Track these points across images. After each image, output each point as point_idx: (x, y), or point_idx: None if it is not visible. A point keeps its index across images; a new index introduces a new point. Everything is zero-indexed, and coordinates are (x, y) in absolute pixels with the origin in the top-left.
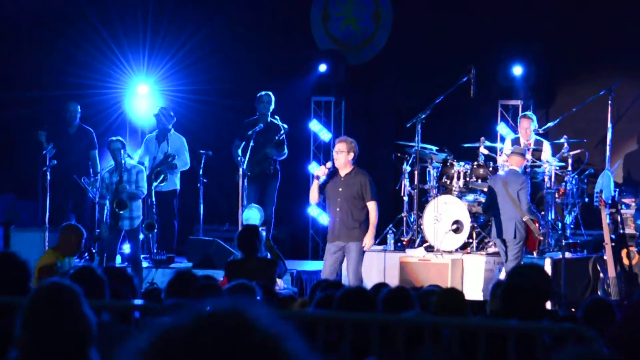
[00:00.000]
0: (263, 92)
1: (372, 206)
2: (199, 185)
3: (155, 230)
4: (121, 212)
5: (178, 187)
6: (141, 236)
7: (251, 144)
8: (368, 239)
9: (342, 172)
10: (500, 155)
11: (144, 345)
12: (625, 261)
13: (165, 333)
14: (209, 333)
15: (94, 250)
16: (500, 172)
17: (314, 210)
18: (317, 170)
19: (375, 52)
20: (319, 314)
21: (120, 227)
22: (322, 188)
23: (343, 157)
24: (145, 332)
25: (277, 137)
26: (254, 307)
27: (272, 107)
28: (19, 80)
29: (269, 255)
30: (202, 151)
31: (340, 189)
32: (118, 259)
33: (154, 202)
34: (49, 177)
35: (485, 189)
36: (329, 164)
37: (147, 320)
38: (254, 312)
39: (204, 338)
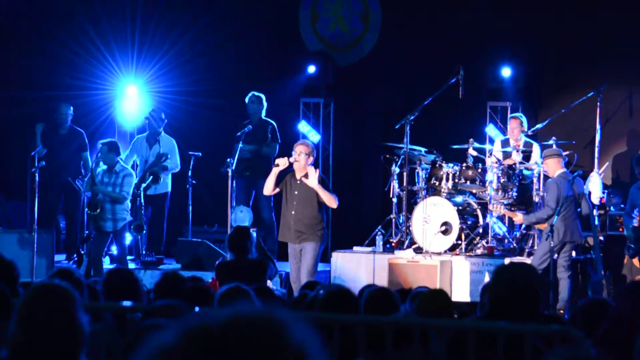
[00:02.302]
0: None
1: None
2: (188, 186)
3: (144, 232)
4: (95, 214)
5: (169, 189)
6: (130, 237)
7: (240, 145)
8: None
9: (299, 175)
10: (489, 157)
11: (170, 342)
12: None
13: (192, 332)
14: (238, 336)
15: (82, 252)
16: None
17: None
18: (279, 160)
19: (363, 53)
20: (306, 314)
21: (102, 227)
22: (278, 181)
23: (304, 159)
24: (171, 330)
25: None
26: (285, 315)
27: (262, 106)
28: (8, 81)
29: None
30: (191, 152)
31: (296, 192)
32: (107, 260)
33: (143, 204)
34: (37, 178)
35: (474, 190)
36: (292, 159)
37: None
38: (286, 320)
39: (233, 340)
